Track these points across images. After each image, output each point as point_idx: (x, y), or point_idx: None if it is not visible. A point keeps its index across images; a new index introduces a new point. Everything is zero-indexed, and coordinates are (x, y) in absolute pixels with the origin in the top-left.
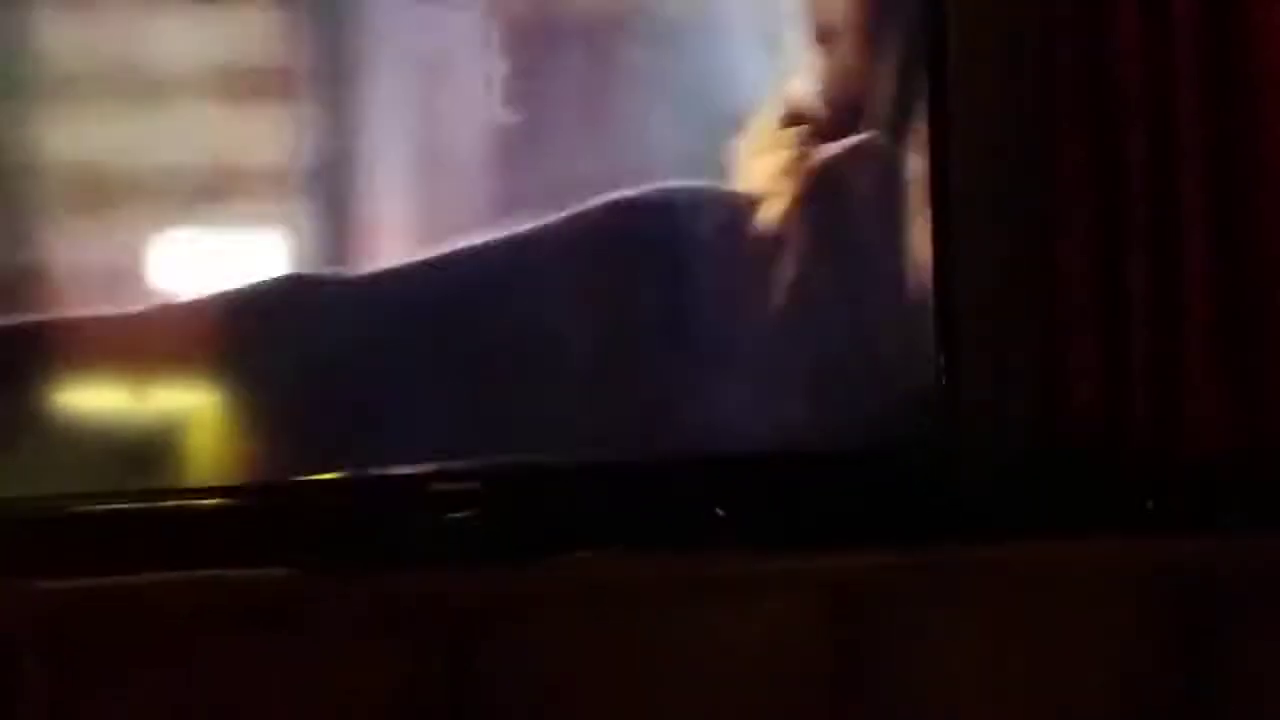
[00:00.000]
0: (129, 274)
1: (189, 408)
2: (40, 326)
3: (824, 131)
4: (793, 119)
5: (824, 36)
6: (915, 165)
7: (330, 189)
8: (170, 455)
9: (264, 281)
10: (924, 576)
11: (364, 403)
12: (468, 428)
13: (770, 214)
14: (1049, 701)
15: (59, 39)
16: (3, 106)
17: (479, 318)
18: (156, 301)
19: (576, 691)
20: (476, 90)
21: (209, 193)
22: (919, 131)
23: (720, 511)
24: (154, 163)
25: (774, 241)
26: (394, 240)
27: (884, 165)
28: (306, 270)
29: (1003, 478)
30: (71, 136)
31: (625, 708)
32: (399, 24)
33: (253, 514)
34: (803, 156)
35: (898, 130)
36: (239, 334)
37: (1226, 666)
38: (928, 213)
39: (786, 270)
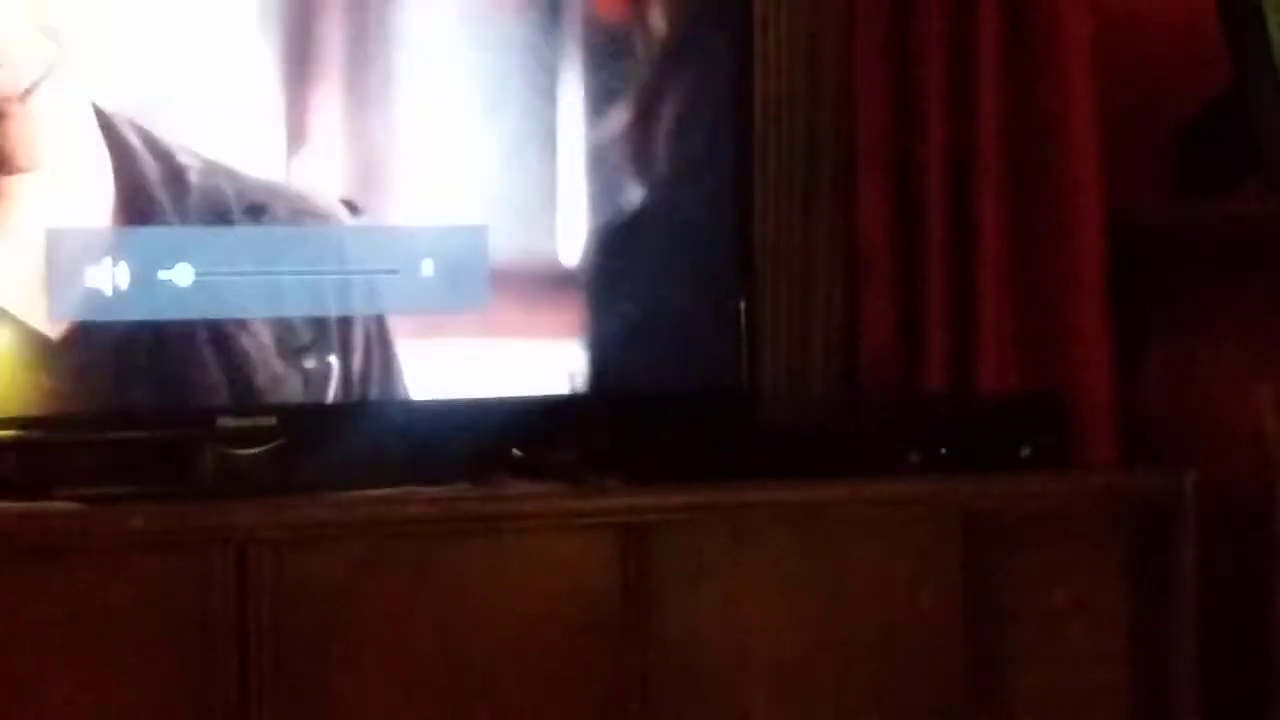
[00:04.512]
0: None
1: None
2: None
3: None
4: None
5: None
6: None
7: None
8: None
9: None
10: (714, 516)
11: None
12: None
13: None
14: (835, 640)
15: None
16: None
17: None
18: None
19: (366, 623)
20: None
21: None
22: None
23: (517, 451)
24: None
25: None
26: None
27: None
28: None
29: (801, 419)
30: None
31: (414, 642)
32: None
33: (40, 446)
34: None
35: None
36: None
37: (1002, 600)
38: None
39: None
